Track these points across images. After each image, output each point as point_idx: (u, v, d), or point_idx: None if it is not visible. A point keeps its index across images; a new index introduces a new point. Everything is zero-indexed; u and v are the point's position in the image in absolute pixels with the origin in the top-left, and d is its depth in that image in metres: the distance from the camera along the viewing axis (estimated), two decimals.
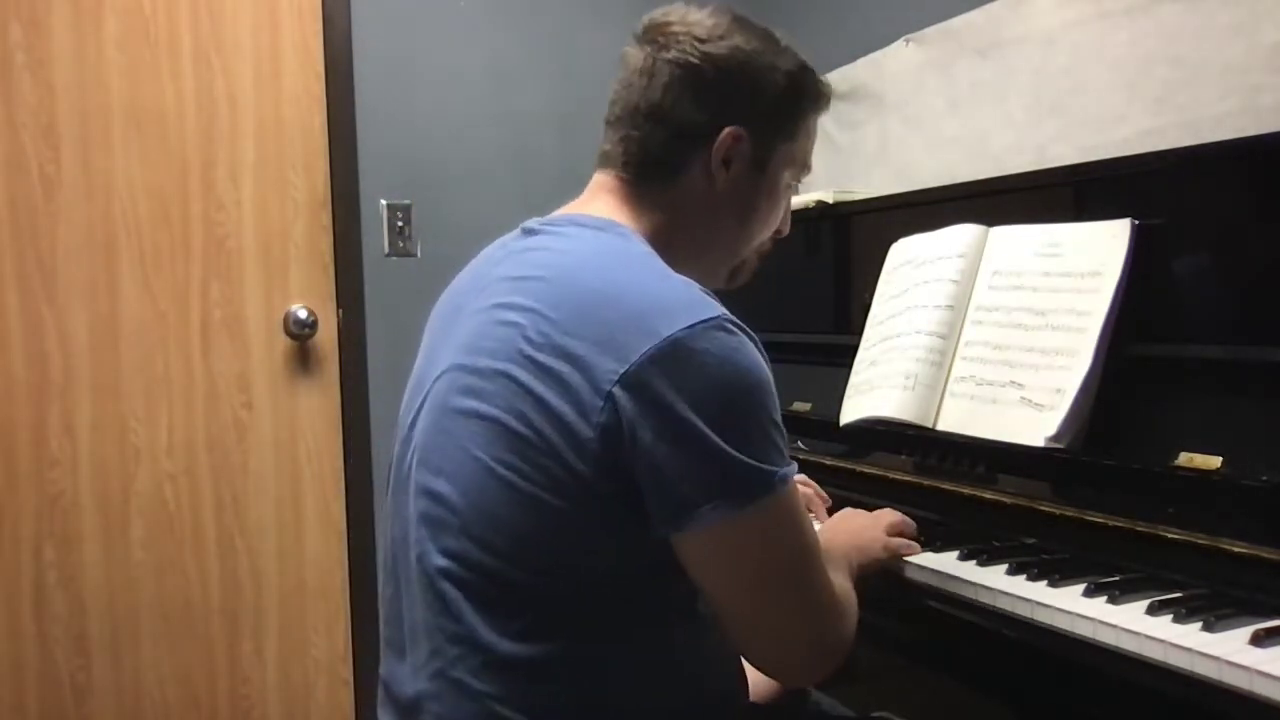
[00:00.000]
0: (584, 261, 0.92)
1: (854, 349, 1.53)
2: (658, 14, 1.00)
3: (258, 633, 2.19)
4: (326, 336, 2.23)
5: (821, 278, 1.86)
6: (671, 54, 0.97)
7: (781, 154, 1.03)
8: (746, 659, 0.94)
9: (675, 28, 0.98)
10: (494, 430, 0.87)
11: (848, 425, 1.46)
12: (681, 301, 0.85)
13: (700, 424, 0.81)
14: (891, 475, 1.41)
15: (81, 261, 2.02)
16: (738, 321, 0.87)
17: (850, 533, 1.17)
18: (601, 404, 0.82)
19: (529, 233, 0.99)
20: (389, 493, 1.03)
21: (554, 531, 0.86)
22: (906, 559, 1.17)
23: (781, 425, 0.87)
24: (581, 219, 0.98)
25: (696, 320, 0.83)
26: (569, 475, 0.84)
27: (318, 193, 2.22)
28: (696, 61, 0.96)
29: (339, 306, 2.24)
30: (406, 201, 2.29)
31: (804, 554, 0.89)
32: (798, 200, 1.96)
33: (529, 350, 0.86)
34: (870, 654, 2.02)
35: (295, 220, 2.20)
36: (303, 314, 2.18)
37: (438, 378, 0.95)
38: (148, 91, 2.06)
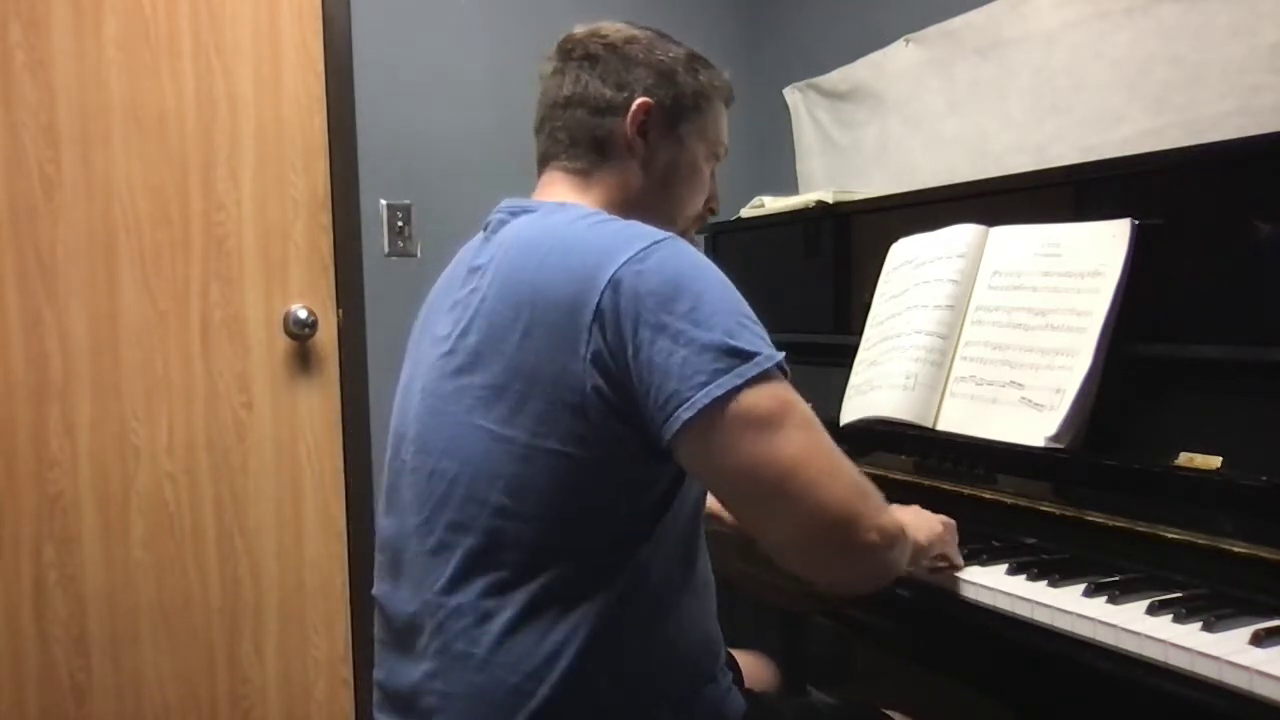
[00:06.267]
0: (540, 231, 0.99)
1: (854, 349, 1.53)
2: (570, 32, 1.13)
3: (258, 632, 2.19)
4: (326, 336, 2.23)
5: (821, 278, 1.86)
6: (577, 53, 1.09)
7: (693, 127, 1.11)
8: (780, 557, 0.92)
9: (580, 35, 1.11)
10: (490, 395, 0.92)
11: (848, 425, 1.46)
12: (631, 234, 0.94)
13: (672, 322, 0.87)
14: (892, 475, 1.41)
15: (81, 261, 2.02)
16: (685, 241, 0.95)
17: (899, 508, 1.11)
18: (586, 335, 0.88)
19: (488, 227, 1.06)
20: (386, 495, 1.07)
21: (561, 479, 0.90)
22: None
23: (753, 316, 0.92)
24: (533, 205, 1.06)
25: (649, 242, 0.91)
26: (571, 416, 0.89)
27: (318, 193, 2.22)
28: (599, 51, 1.08)
29: (339, 306, 2.24)
30: (406, 201, 2.29)
31: (800, 423, 0.89)
32: (797, 200, 1.97)
33: (509, 313, 0.92)
34: (870, 653, 2.02)
35: (295, 220, 2.19)
36: (303, 314, 2.18)
37: (423, 372, 1.01)
38: (148, 91, 2.06)
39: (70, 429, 2.01)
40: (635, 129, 1.07)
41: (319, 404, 2.23)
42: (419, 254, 2.29)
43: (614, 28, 1.11)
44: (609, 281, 0.88)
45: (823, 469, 0.88)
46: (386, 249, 2.28)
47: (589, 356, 0.88)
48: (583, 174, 1.08)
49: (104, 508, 2.05)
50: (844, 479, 0.89)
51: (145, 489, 2.08)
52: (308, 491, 2.23)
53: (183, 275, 2.10)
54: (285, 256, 2.19)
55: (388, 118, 2.27)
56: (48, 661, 2.01)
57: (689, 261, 0.91)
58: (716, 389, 0.85)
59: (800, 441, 0.88)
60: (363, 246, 2.26)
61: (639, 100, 1.06)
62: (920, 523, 1.10)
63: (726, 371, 0.86)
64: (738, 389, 0.86)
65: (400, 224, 2.29)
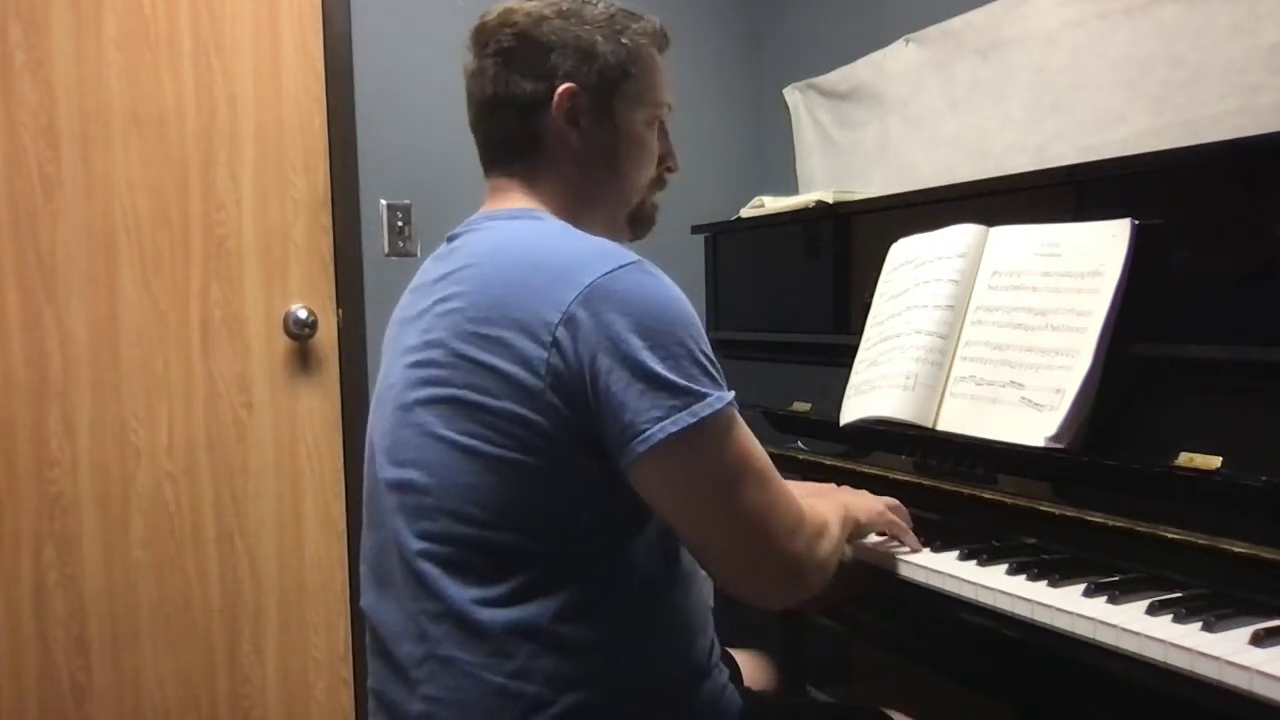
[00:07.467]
0: (506, 242, 0.99)
1: (854, 349, 1.53)
2: (481, 19, 1.07)
3: (258, 633, 2.19)
4: (326, 336, 2.23)
5: (821, 278, 1.86)
6: (490, 47, 1.05)
7: (626, 97, 1.06)
8: (718, 583, 0.97)
9: (491, 24, 1.05)
10: (453, 408, 0.93)
11: (848, 425, 1.46)
12: (599, 253, 0.93)
13: (631, 353, 0.87)
14: (891, 475, 1.41)
15: (81, 261, 2.02)
16: (652, 265, 0.94)
17: (846, 491, 1.22)
18: (545, 354, 0.89)
19: (453, 238, 1.06)
20: (365, 509, 1.07)
21: (528, 489, 0.91)
22: (903, 558, 1.17)
23: (711, 355, 0.92)
24: (495, 214, 1.06)
25: (615, 265, 0.91)
26: (530, 431, 0.90)
27: (318, 193, 2.22)
28: (510, 44, 1.04)
29: (339, 306, 2.24)
30: (406, 201, 2.29)
31: (753, 469, 0.92)
32: (797, 200, 1.96)
33: (471, 327, 0.93)
34: (870, 654, 2.02)
35: (295, 220, 2.20)
36: (303, 314, 2.18)
37: (393, 384, 1.01)
38: (148, 91, 2.06)
39: (70, 429, 2.02)
40: (564, 119, 1.03)
41: (319, 404, 2.23)
42: (419, 254, 2.29)
43: (524, 10, 1.05)
44: (570, 304, 0.88)
45: (774, 525, 0.92)
46: (386, 249, 2.28)
47: (546, 374, 0.89)
48: (526, 176, 1.06)
49: (104, 508, 2.05)
50: (788, 526, 0.93)
51: (145, 489, 2.08)
52: (308, 491, 2.23)
53: (183, 275, 2.10)
54: (285, 256, 2.19)
55: (388, 118, 2.27)
56: (48, 661, 2.01)
57: (651, 290, 0.91)
58: (671, 425, 0.87)
59: (754, 499, 0.91)
60: (363, 246, 2.26)
61: (561, 88, 1.02)
62: (861, 502, 1.17)
63: (682, 409, 0.87)
64: (690, 428, 0.87)
65: (400, 224, 2.29)
